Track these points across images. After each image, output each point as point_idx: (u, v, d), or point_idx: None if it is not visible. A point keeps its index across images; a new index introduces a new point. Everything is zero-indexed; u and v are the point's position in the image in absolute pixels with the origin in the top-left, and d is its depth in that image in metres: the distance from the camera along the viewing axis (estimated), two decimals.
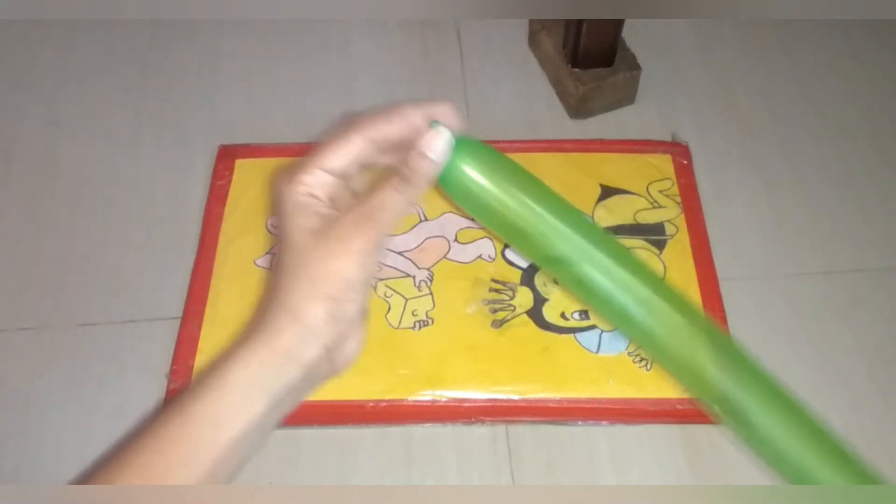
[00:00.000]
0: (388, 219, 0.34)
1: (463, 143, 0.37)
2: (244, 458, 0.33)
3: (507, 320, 0.53)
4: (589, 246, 0.39)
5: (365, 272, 0.33)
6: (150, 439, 0.32)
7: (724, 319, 0.53)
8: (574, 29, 0.61)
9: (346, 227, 0.33)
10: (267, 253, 0.56)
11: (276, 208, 0.35)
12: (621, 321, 0.41)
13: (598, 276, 0.39)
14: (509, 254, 0.56)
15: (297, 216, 0.34)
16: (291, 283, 0.33)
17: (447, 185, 0.37)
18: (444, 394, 0.50)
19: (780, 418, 0.41)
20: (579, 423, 0.50)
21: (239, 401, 0.32)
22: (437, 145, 0.35)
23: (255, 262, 0.55)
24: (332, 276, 0.33)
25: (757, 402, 0.41)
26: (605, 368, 0.51)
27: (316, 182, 0.34)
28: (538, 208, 0.38)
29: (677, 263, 0.55)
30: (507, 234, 0.39)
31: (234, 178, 0.59)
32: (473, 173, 0.37)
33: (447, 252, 0.56)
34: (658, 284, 0.41)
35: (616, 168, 0.60)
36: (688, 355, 0.40)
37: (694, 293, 0.54)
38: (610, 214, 0.58)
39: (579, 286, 0.40)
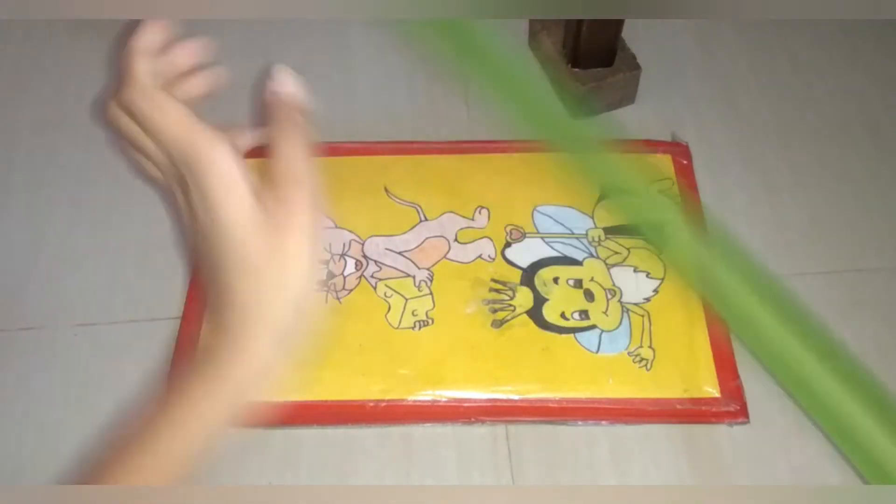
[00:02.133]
0: (310, 181, 0.32)
1: None
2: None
3: (507, 320, 0.53)
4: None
5: (315, 277, 0.32)
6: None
7: (724, 319, 0.53)
8: (574, 29, 0.61)
9: (289, 220, 0.31)
10: None
11: (190, 153, 0.31)
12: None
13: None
14: (509, 253, 0.56)
15: (230, 193, 0.31)
16: (247, 299, 0.31)
17: None
18: (444, 394, 0.50)
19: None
20: (579, 423, 0.50)
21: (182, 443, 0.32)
22: (284, 78, 0.36)
23: None
24: (287, 304, 0.31)
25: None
26: (604, 368, 0.51)
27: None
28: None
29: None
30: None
31: None
32: None
33: (447, 252, 0.56)
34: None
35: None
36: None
37: None
38: (610, 214, 0.57)
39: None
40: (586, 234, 0.57)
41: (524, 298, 0.54)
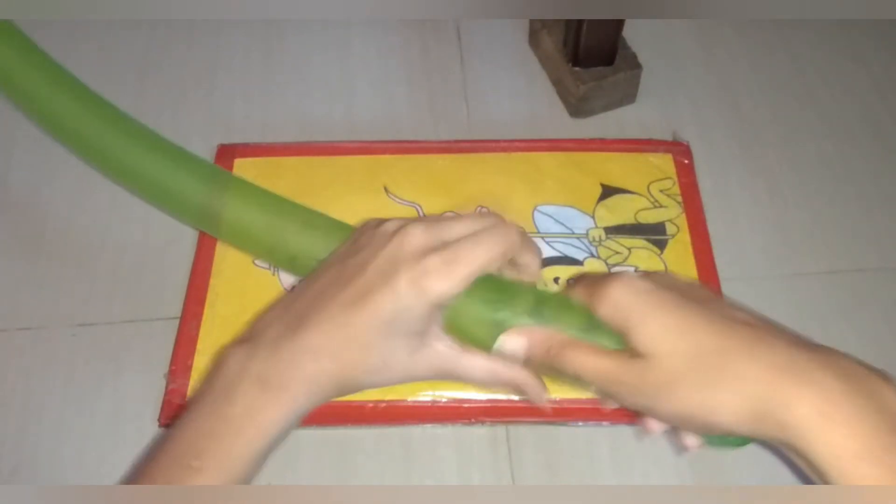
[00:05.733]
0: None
1: None
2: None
3: None
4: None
5: None
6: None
7: None
8: (574, 28, 0.61)
9: None
10: None
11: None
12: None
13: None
14: None
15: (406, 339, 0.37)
16: None
17: None
18: (444, 394, 0.50)
19: None
20: (580, 423, 0.49)
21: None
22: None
23: (254, 263, 0.55)
24: None
25: None
26: None
27: None
28: None
29: (678, 263, 0.55)
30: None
31: None
32: None
33: None
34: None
35: (617, 167, 0.60)
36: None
37: None
38: (611, 214, 0.57)
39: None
40: (587, 234, 0.56)
41: None
